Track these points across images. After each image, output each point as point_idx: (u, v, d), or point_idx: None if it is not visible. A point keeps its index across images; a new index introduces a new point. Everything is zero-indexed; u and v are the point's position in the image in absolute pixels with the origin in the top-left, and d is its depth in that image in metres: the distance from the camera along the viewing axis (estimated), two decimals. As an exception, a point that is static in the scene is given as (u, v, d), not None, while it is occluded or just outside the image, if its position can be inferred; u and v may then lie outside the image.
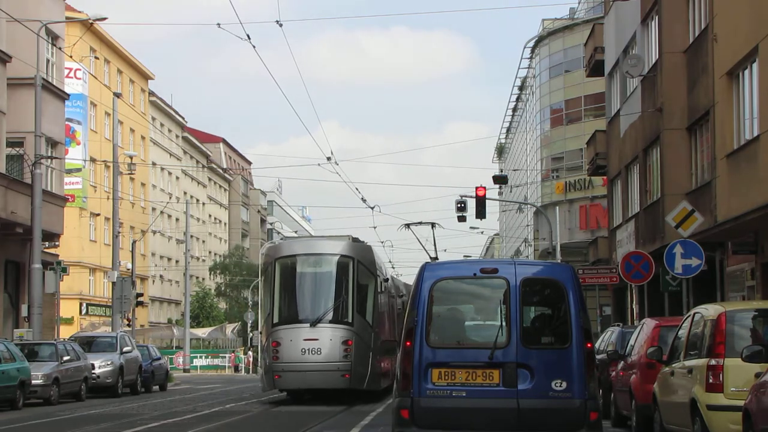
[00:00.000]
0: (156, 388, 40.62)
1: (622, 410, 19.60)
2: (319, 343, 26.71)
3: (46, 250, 41.32)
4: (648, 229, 34.40)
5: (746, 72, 24.52)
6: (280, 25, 32.73)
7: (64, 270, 42.68)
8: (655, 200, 33.58)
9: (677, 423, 14.64)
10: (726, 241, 27.22)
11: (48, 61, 41.84)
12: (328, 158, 42.22)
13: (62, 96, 43.09)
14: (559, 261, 49.44)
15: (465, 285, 13.20)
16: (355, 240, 30.08)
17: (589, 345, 12.54)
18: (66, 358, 31.61)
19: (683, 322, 15.47)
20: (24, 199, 36.79)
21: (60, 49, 42.91)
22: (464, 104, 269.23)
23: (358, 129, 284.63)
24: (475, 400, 12.38)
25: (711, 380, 13.09)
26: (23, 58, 37.22)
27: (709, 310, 14.13)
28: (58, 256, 43.90)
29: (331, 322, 27.11)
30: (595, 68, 46.71)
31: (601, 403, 22.20)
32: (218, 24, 32.41)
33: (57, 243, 44.31)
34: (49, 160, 39.81)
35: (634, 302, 38.00)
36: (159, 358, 42.77)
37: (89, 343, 36.17)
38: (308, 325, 26.93)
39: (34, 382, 29.23)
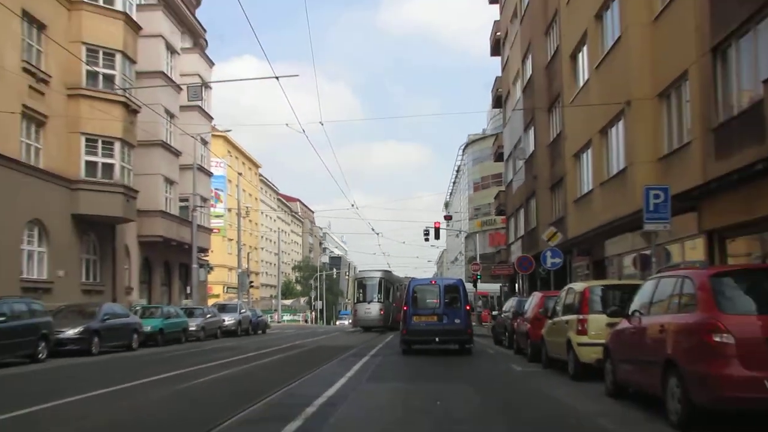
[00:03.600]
0: (259, 332, 38.81)
1: (521, 345, 17.93)
2: (371, 309, 34.69)
3: (201, 258, 39.76)
4: (530, 243, 32.83)
5: (583, 155, 23.10)
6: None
7: (211, 268, 41.16)
8: (533, 227, 32.06)
9: (558, 353, 12.99)
10: (573, 249, 25.67)
11: (201, 156, 40.44)
12: (352, 205, 41.60)
13: (208, 173, 41.56)
14: (479, 263, 47.57)
15: (425, 287, 17.44)
16: (386, 270, 37.80)
17: (467, 307, 16.85)
18: (209, 315, 30.02)
19: (561, 293, 13.88)
20: (188, 230, 35.30)
21: (206, 146, 41.46)
22: (426, 182, 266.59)
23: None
24: (428, 327, 16.60)
25: (580, 328, 11.54)
26: (187, 153, 35.91)
27: (578, 286, 12.59)
28: (208, 260, 42.30)
29: (376, 302, 34.91)
30: (498, 157, 45.33)
31: (510, 341, 20.22)
32: (286, 124, 31.52)
33: (207, 255, 42.72)
34: (201, 208, 38.38)
35: (523, 283, 36.41)
36: (261, 316, 40.91)
37: (222, 308, 34.46)
38: (367, 303, 34.92)
39: (191, 329, 27.61)
